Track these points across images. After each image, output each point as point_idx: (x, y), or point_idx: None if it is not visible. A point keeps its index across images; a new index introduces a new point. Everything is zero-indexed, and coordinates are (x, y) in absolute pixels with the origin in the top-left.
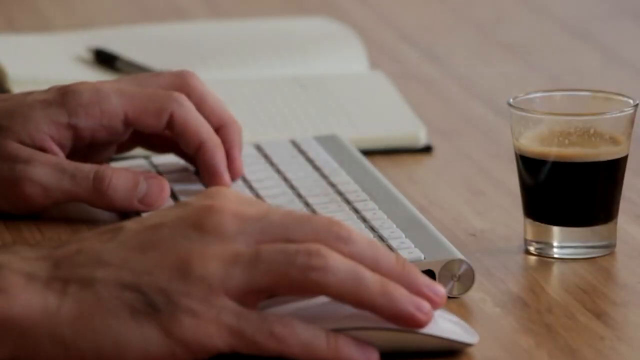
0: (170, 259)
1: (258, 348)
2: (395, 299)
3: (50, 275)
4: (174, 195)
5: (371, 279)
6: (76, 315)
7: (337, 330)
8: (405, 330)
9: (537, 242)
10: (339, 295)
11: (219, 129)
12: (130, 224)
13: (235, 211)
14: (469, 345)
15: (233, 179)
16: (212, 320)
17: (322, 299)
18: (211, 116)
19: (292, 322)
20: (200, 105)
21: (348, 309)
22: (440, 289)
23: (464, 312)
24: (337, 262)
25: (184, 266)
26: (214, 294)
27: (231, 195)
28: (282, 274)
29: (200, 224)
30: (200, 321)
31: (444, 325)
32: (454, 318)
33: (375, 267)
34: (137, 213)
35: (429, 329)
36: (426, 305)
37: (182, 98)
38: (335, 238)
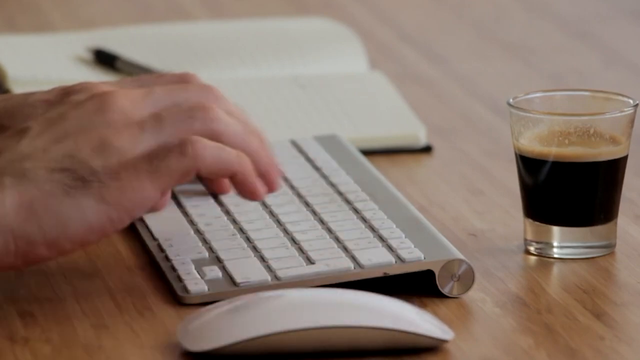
0: (86, 140)
1: (177, 173)
2: (262, 153)
3: None
4: (174, 196)
5: (250, 126)
6: (19, 204)
7: (329, 328)
8: (388, 328)
9: (537, 242)
10: (231, 143)
11: None
12: (32, 123)
13: (124, 93)
14: (445, 341)
15: None
16: (132, 176)
17: (316, 296)
18: None
19: (199, 139)
20: None
21: (339, 307)
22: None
23: (464, 312)
24: (224, 114)
25: (101, 143)
26: (129, 157)
27: (107, 83)
28: (186, 129)
29: (100, 108)
30: (124, 181)
31: (422, 324)
32: (429, 317)
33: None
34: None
35: (407, 327)
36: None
37: None
38: (214, 98)
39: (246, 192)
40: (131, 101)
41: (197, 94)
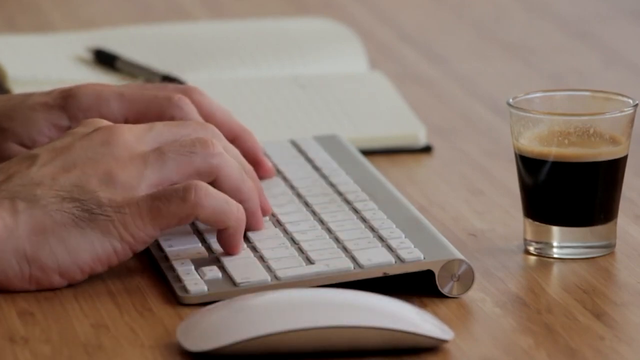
0: (93, 171)
1: (176, 218)
2: (254, 194)
3: None
4: None
5: (245, 165)
6: (32, 230)
7: (329, 328)
8: (388, 328)
9: (537, 242)
10: (229, 179)
11: (233, 141)
12: (40, 151)
13: (127, 127)
14: (445, 341)
15: (267, 178)
16: (135, 213)
17: (316, 296)
18: (222, 129)
19: (204, 186)
20: (210, 121)
21: (339, 307)
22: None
23: (464, 312)
24: (223, 151)
25: (107, 174)
26: (134, 192)
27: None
28: (187, 163)
29: (106, 141)
30: (127, 217)
31: (421, 324)
32: (429, 317)
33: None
34: None
35: (407, 327)
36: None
37: (183, 102)
38: (212, 135)
39: (228, 246)
40: (135, 135)
41: (197, 131)
